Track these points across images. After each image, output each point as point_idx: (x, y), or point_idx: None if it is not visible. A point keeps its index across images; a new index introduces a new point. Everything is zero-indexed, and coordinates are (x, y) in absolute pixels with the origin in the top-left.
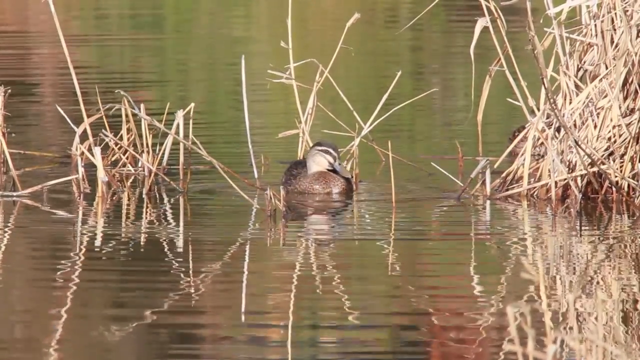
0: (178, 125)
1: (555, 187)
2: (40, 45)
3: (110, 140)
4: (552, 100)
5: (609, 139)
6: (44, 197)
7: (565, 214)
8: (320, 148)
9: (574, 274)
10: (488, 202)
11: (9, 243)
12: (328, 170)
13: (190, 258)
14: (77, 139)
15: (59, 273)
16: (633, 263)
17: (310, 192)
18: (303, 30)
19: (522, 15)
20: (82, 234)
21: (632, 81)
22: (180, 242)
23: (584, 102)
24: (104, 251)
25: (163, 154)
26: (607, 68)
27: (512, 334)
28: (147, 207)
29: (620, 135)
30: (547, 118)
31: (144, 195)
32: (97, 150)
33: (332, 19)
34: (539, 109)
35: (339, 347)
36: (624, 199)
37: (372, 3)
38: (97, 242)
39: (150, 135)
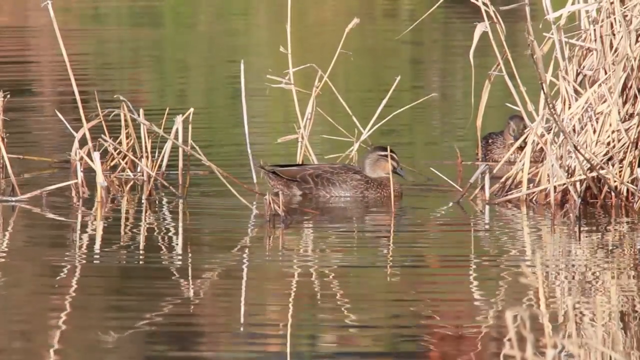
0: (177, 130)
1: (555, 192)
2: (39, 47)
3: (109, 145)
4: (551, 105)
5: (608, 143)
6: (43, 202)
7: (564, 219)
8: (384, 153)
9: (573, 278)
10: (487, 206)
11: (8, 248)
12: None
13: (189, 263)
14: (76, 144)
15: (57, 278)
16: (632, 268)
17: (386, 196)
18: (302, 34)
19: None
20: (81, 239)
21: (631, 86)
22: (179, 247)
23: (583, 107)
24: (102, 256)
25: (162, 159)
26: (606, 73)
27: (511, 339)
28: (146, 212)
29: (619, 140)
30: (547, 123)
31: (143, 200)
32: (96, 155)
33: (332, 23)
34: (537, 114)
35: (337, 351)
36: (623, 203)
37: (370, 6)
38: (96, 247)
39: (150, 140)
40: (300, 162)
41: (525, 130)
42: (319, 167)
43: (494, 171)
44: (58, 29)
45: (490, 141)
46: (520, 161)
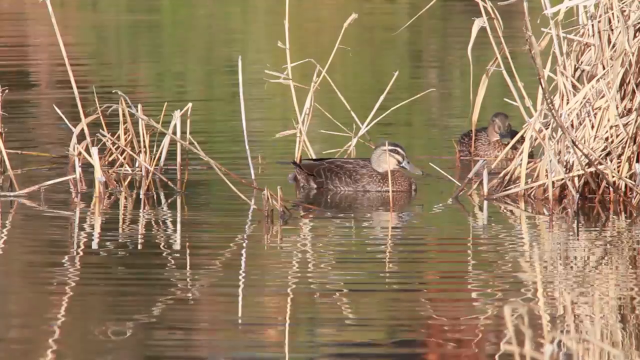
0: (175, 125)
1: (553, 187)
2: (37, 35)
3: (107, 140)
4: (549, 100)
5: (607, 139)
6: (42, 197)
7: (562, 214)
8: (388, 147)
9: (571, 274)
10: (485, 202)
11: (6, 243)
12: (395, 168)
13: (188, 258)
14: (74, 139)
15: (56, 273)
16: (630, 263)
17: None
18: (299, 21)
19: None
20: (79, 235)
21: (629, 81)
22: (177, 243)
23: (581, 103)
24: (101, 252)
25: (160, 154)
26: (604, 68)
27: (509, 334)
28: (144, 207)
29: (617, 136)
30: (545, 118)
31: (141, 196)
32: (94, 150)
33: (330, 18)
34: (535, 109)
35: (336, 349)
36: (621, 199)
37: (370, 5)
38: (94, 243)
39: (148, 136)
40: (317, 156)
41: (523, 126)
42: (333, 161)
43: (492, 166)
44: (57, 23)
45: (465, 138)
46: (518, 157)
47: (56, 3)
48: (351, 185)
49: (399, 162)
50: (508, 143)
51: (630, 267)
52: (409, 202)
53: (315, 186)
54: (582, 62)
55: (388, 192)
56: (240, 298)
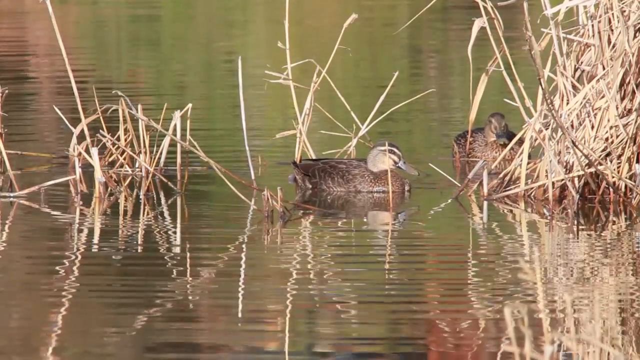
0: (175, 125)
1: (553, 187)
2: (36, 33)
3: (107, 141)
4: (549, 100)
5: (607, 139)
6: (41, 198)
7: (562, 215)
8: (385, 148)
9: (571, 274)
10: (485, 202)
11: (6, 244)
12: (391, 168)
13: (188, 259)
14: (74, 140)
15: (55, 274)
16: (630, 264)
17: (381, 192)
18: (298, 18)
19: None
20: (79, 235)
21: (629, 81)
22: (177, 244)
23: (581, 103)
24: (101, 252)
25: (160, 154)
26: (604, 68)
27: (509, 335)
28: (144, 208)
29: (617, 136)
30: (545, 119)
31: (141, 196)
32: (94, 151)
33: (330, 19)
34: (535, 110)
35: (336, 349)
36: (621, 199)
37: (370, 5)
38: (94, 243)
39: (148, 136)
40: (314, 156)
41: (523, 127)
42: (328, 162)
43: (492, 167)
44: (56, 19)
45: (470, 139)
46: (518, 157)
47: (56, 1)
48: (343, 186)
49: (395, 163)
50: (504, 143)
51: (630, 267)
52: (404, 203)
53: (310, 186)
54: (582, 63)
55: (380, 192)
56: (240, 299)
